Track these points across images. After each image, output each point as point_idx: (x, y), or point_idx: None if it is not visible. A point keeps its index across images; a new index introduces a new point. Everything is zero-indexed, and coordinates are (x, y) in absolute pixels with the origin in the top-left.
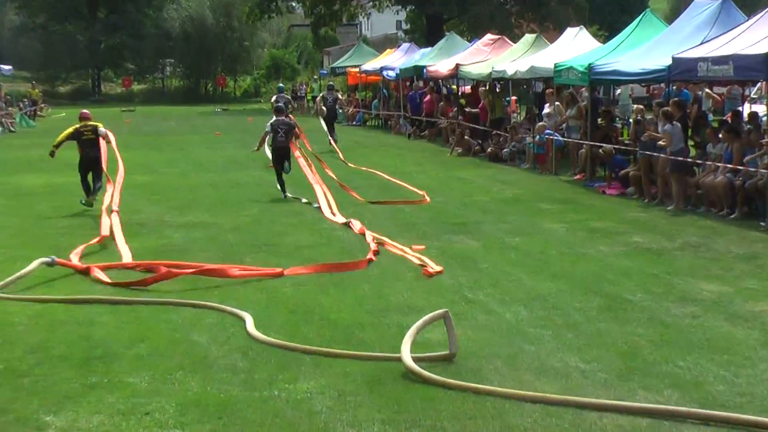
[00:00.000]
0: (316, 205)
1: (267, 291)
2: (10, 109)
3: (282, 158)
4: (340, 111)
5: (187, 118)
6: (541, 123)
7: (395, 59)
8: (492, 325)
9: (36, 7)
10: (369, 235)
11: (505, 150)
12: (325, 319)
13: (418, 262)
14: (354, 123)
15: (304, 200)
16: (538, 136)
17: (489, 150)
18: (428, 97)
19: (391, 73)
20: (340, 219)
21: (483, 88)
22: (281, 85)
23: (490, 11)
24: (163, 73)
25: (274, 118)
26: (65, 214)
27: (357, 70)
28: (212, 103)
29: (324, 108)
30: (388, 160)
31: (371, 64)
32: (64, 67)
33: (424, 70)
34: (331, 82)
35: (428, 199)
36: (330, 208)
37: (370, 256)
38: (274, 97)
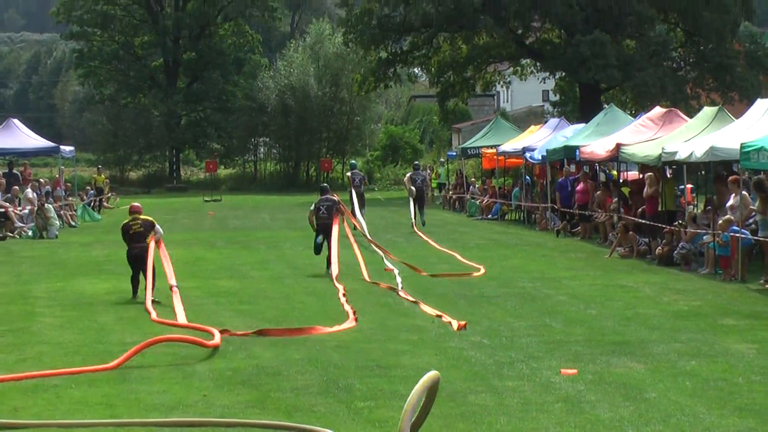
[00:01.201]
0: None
1: (381, 425)
2: (70, 199)
3: (323, 233)
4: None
5: (283, 210)
6: (726, 217)
7: (541, 138)
8: None
9: (103, 75)
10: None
11: (676, 251)
12: None
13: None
14: (489, 216)
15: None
16: (721, 234)
17: (658, 251)
18: (581, 184)
19: (536, 155)
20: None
21: (650, 174)
22: (354, 161)
23: (659, 78)
24: (256, 154)
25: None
26: (134, 328)
27: (493, 151)
28: (314, 191)
29: (413, 188)
30: (532, 263)
31: (511, 144)
32: (136, 148)
33: (577, 152)
34: (417, 162)
35: (483, 270)
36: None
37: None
38: (349, 173)
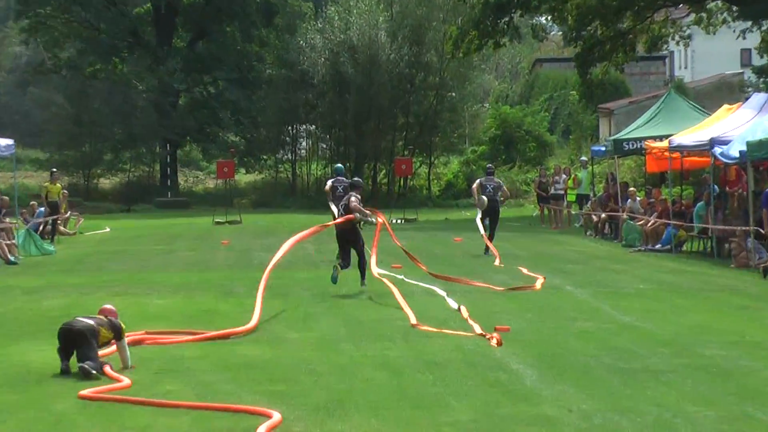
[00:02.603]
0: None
1: None
2: (7, 221)
3: (343, 240)
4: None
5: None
6: None
7: (739, 124)
8: None
9: (59, 28)
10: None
11: None
12: None
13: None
14: (657, 246)
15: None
16: None
17: None
18: None
19: (731, 152)
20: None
21: None
22: (340, 165)
23: None
24: (294, 151)
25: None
26: (106, 420)
27: (664, 145)
28: (385, 208)
29: (484, 197)
30: (724, 320)
31: (692, 135)
32: (111, 142)
33: None
34: (490, 165)
35: (543, 279)
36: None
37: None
38: (330, 181)
